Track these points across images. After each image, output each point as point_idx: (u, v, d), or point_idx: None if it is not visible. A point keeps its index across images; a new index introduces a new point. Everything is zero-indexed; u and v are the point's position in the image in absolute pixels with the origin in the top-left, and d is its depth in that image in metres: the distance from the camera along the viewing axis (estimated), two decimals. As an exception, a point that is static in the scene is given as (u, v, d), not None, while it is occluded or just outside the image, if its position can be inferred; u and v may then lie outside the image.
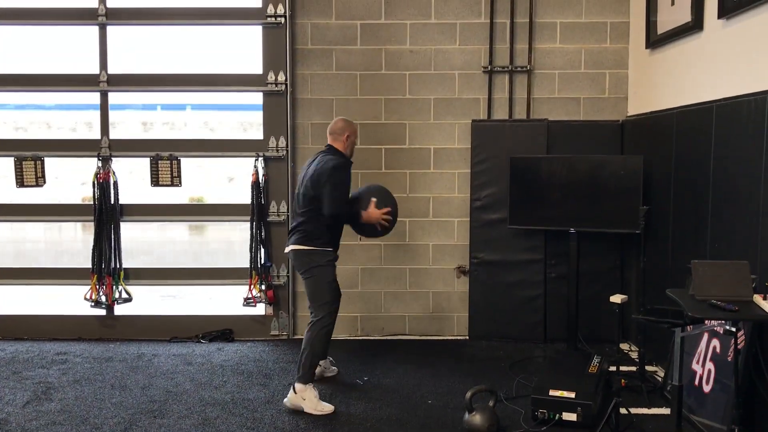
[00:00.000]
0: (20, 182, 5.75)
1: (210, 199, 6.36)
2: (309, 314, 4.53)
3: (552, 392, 3.92)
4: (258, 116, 5.88)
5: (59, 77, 5.80)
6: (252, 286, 5.70)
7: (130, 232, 5.88)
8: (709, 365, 3.85)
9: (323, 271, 4.38)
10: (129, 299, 5.78)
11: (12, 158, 5.75)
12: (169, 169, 5.74)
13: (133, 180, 5.99)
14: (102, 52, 5.73)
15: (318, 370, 4.55)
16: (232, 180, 6.55)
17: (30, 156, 5.74)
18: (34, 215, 5.97)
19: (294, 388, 4.23)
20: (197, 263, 6.35)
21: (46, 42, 5.96)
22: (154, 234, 6.85)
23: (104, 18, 5.67)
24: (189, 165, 5.81)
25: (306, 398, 4.22)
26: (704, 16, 4.30)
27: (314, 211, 4.36)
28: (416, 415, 4.18)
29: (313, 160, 4.53)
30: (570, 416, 3.87)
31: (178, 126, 6.40)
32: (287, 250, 4.49)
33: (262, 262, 5.73)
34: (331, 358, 4.83)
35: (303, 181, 4.48)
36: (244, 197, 5.78)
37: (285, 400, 4.27)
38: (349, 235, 5.79)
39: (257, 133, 5.90)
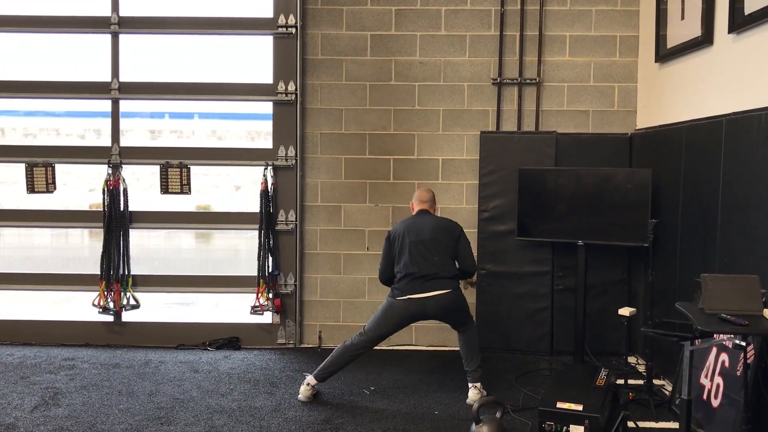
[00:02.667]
0: (31, 188, 5.79)
1: (216, 208, 6.38)
2: (359, 339, 4.63)
3: (559, 404, 3.90)
4: (265, 125, 5.91)
5: (71, 84, 5.84)
6: (259, 295, 5.71)
7: (136, 239, 5.90)
8: (718, 380, 3.84)
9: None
10: (137, 306, 5.80)
11: (23, 164, 5.79)
12: (179, 176, 5.77)
13: (140, 187, 6.03)
14: (114, 61, 5.78)
15: (311, 391, 4.58)
16: (239, 188, 6.58)
17: (41, 162, 5.79)
18: (43, 221, 6.00)
19: None
20: (204, 271, 6.36)
21: (58, 49, 6.01)
22: (161, 241, 6.87)
23: (117, 26, 5.72)
24: (196, 173, 5.84)
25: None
26: (714, 31, 4.31)
27: (452, 262, 4.62)
28: (423, 426, 4.18)
29: (421, 219, 4.67)
30: (577, 429, 3.85)
31: (186, 134, 6.43)
32: (435, 294, 4.48)
33: (270, 270, 5.74)
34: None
35: (424, 230, 4.57)
36: (251, 206, 5.81)
37: None
38: (355, 244, 5.82)
39: (265, 143, 5.93)
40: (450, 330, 5.80)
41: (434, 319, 4.71)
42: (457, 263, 4.65)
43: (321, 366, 4.61)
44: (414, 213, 4.79)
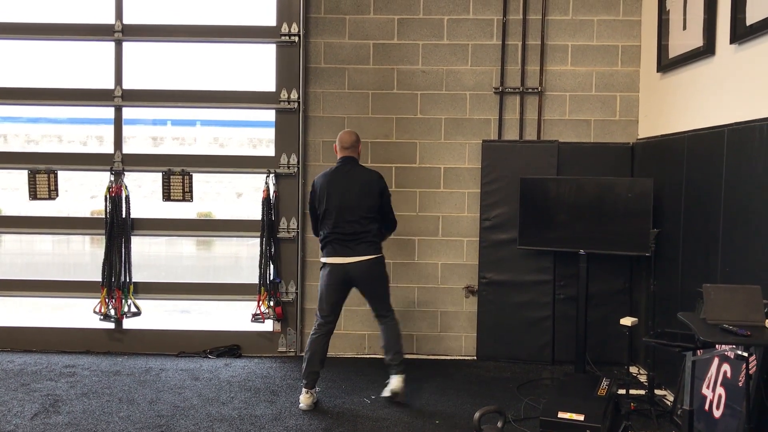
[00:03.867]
0: (33, 195, 5.80)
1: (218, 215, 6.39)
2: (316, 324, 4.68)
3: (561, 414, 3.89)
4: (267, 133, 5.93)
5: (74, 91, 5.86)
6: (261, 302, 5.70)
7: (138, 246, 5.90)
8: (720, 390, 3.83)
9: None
10: (138, 313, 5.80)
11: (25, 171, 5.80)
12: (181, 184, 5.77)
13: (142, 194, 6.04)
14: (117, 68, 5.80)
15: (311, 399, 4.57)
16: (240, 196, 6.58)
17: (43, 169, 5.79)
18: (45, 228, 6.00)
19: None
20: (205, 278, 6.36)
21: (62, 57, 6.03)
22: (162, 249, 6.88)
23: (120, 34, 5.74)
24: (197, 180, 5.85)
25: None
26: (716, 41, 4.32)
27: (376, 220, 4.62)
28: (424, 435, 4.17)
29: (345, 171, 4.63)
30: (579, 439, 3.84)
31: (188, 141, 6.44)
32: (357, 260, 4.52)
33: (271, 278, 5.74)
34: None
35: (348, 192, 4.55)
36: (252, 213, 5.81)
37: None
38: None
39: (267, 150, 5.94)
40: (451, 339, 5.82)
41: (358, 287, 4.66)
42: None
43: (302, 372, 4.61)
44: (338, 158, 4.72)
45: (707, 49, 4.39)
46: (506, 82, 5.73)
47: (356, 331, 5.72)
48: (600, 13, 5.68)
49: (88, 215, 6.16)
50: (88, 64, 5.95)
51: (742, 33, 3.96)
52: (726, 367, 3.81)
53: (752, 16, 3.83)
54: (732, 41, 4.08)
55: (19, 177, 5.90)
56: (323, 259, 4.64)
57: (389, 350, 4.68)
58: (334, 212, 4.55)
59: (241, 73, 5.99)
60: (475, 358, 5.75)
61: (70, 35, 5.83)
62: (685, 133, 4.74)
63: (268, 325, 5.82)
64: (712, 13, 4.33)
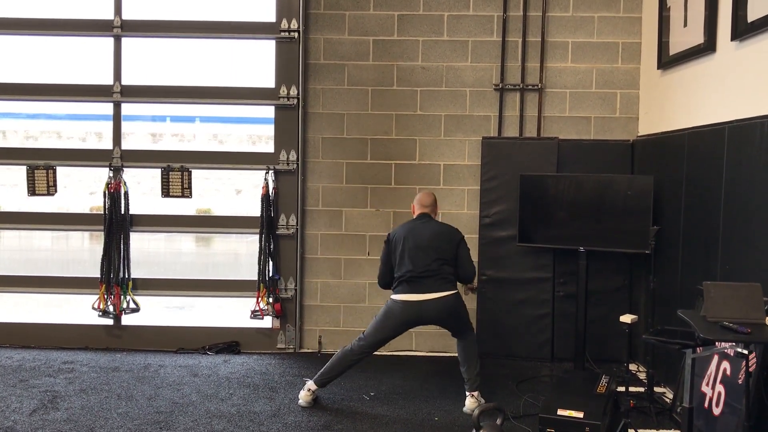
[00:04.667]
0: (32, 191, 5.79)
1: (217, 211, 6.38)
2: (358, 345, 4.61)
3: (560, 411, 3.88)
4: (267, 129, 5.91)
5: (73, 87, 5.84)
6: (260, 299, 5.70)
7: (137, 242, 5.89)
8: (719, 388, 3.82)
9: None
10: (137, 309, 5.79)
11: (24, 167, 5.78)
12: (180, 180, 5.76)
13: (141, 190, 6.02)
14: (116, 64, 5.78)
15: (311, 396, 4.56)
16: (239, 192, 6.57)
17: (42, 165, 5.78)
18: (44, 224, 5.99)
19: None
20: (203, 275, 6.35)
21: (60, 52, 6.01)
22: (161, 245, 6.86)
23: (119, 30, 5.73)
24: (196, 177, 5.84)
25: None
26: (717, 38, 4.31)
27: (451, 264, 4.58)
28: None
29: (423, 222, 4.65)
30: (578, 436, 3.83)
31: (188, 138, 6.43)
32: (435, 296, 4.45)
33: (271, 274, 5.73)
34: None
35: (423, 236, 4.54)
36: (252, 210, 5.80)
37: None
38: (356, 249, 5.81)
39: (266, 147, 5.93)
40: (450, 336, 5.80)
41: (432, 324, 4.68)
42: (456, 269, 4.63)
43: (321, 371, 4.59)
44: (414, 216, 4.77)
45: (708, 46, 4.38)
46: (506, 79, 5.72)
47: (356, 327, 5.70)
48: (600, 10, 5.67)
49: (87, 211, 6.14)
50: (86, 60, 5.93)
51: (743, 30, 3.95)
52: (726, 364, 3.81)
53: (753, 13, 3.82)
54: (733, 38, 4.06)
55: (18, 173, 5.88)
56: (394, 296, 4.55)
57: (463, 364, 4.64)
58: (411, 253, 4.50)
59: (241, 70, 5.97)
60: (474, 355, 5.74)
61: (69, 31, 5.81)
62: (685, 130, 4.73)
63: (267, 322, 5.81)
64: (713, 10, 4.32)
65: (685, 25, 4.74)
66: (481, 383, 4.61)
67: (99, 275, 5.72)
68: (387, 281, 4.70)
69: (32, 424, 4.14)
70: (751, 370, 3.44)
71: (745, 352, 3.27)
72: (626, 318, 4.76)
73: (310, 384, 4.57)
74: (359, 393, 4.81)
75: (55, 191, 5.82)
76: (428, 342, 5.83)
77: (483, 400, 4.52)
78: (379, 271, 4.75)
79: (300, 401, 4.55)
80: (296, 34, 5.68)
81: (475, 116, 5.75)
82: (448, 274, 4.53)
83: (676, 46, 4.92)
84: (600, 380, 4.33)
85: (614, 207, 5.10)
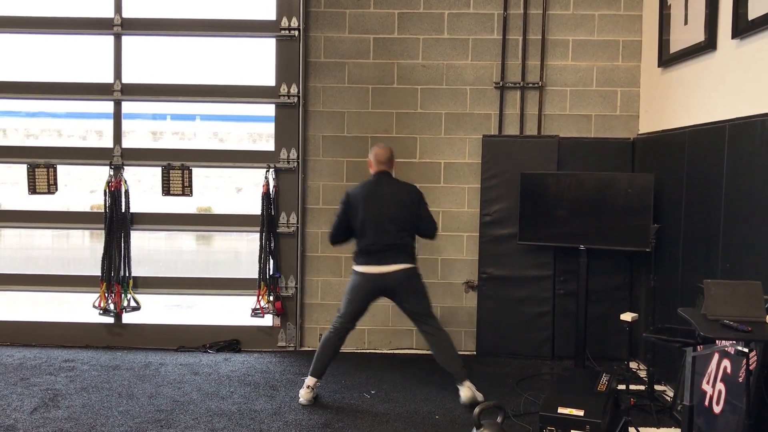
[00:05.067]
0: (32, 189, 5.79)
1: (217, 210, 6.38)
2: (334, 326, 4.67)
3: (561, 410, 3.89)
4: (267, 127, 5.91)
5: (73, 86, 5.84)
6: (260, 297, 5.70)
7: (137, 240, 5.89)
8: (720, 386, 3.82)
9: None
10: (137, 308, 5.79)
11: (24, 165, 5.78)
12: (181, 178, 5.77)
13: (141, 189, 6.02)
14: (116, 62, 5.78)
15: (311, 393, 4.56)
16: (240, 191, 6.57)
17: (42, 163, 5.78)
18: (44, 222, 5.99)
19: None
20: (204, 273, 6.35)
21: (61, 51, 6.01)
22: (161, 243, 6.86)
23: (120, 28, 5.72)
24: (196, 175, 5.84)
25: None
26: (718, 36, 4.31)
27: (412, 235, 4.64)
28: (423, 430, 4.17)
29: (382, 185, 4.63)
30: (578, 434, 3.84)
31: (188, 136, 6.43)
32: (395, 269, 4.51)
33: (271, 273, 5.73)
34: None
35: (385, 205, 4.55)
36: (252, 208, 5.80)
37: None
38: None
39: (267, 145, 5.93)
40: (451, 334, 5.78)
41: (393, 296, 4.63)
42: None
43: (312, 363, 4.61)
44: (372, 173, 4.72)
45: (709, 44, 4.38)
46: (507, 77, 5.72)
47: (357, 326, 5.69)
48: (601, 8, 5.66)
49: (87, 210, 6.14)
50: (87, 58, 5.93)
51: (743, 28, 3.95)
52: (726, 362, 3.81)
53: (754, 11, 3.82)
54: (734, 36, 4.06)
55: (18, 171, 5.89)
56: (357, 268, 4.60)
57: (446, 364, 4.64)
58: (372, 224, 4.53)
59: (241, 68, 5.97)
60: (474, 353, 5.75)
61: (69, 29, 5.81)
62: (686, 128, 4.73)
63: (267, 320, 5.82)
64: (713, 8, 4.32)
65: (686, 23, 4.74)
66: (467, 372, 4.61)
67: (100, 273, 5.72)
68: (339, 240, 4.75)
69: (33, 423, 4.15)
70: (751, 368, 3.44)
71: (746, 350, 3.27)
72: (627, 316, 4.76)
73: (308, 380, 4.58)
74: (360, 391, 4.82)
75: (56, 190, 5.82)
76: (429, 340, 5.83)
77: (474, 387, 4.55)
78: (332, 229, 4.75)
79: (300, 399, 4.55)
80: (297, 32, 5.68)
81: (475, 114, 5.75)
82: (408, 246, 4.59)
83: (676, 44, 4.91)
84: (600, 378, 4.34)
85: (615, 205, 5.10)
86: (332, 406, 4.53)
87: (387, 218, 4.54)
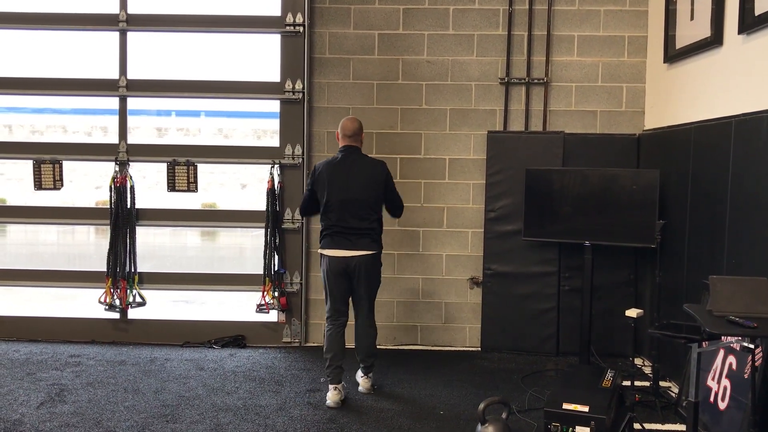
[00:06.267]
0: (38, 185, 5.80)
1: (222, 206, 6.39)
2: (328, 319, 4.62)
3: (565, 405, 3.89)
4: (271, 123, 5.92)
5: (79, 82, 5.85)
6: (265, 293, 5.71)
7: (142, 236, 5.90)
8: (725, 382, 3.82)
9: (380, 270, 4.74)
10: (143, 303, 5.81)
11: (30, 161, 5.80)
12: (186, 174, 5.78)
13: (146, 185, 6.03)
14: (122, 58, 5.78)
15: (338, 396, 4.51)
16: (244, 187, 6.58)
17: (48, 159, 5.80)
18: (50, 218, 6.01)
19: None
20: (209, 269, 6.37)
21: (66, 47, 6.02)
22: (166, 239, 6.89)
23: (125, 24, 5.73)
24: (201, 171, 5.84)
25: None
26: (724, 31, 4.29)
27: (378, 214, 4.60)
28: (428, 425, 4.17)
29: (349, 162, 4.55)
30: (583, 430, 3.84)
31: (193, 132, 6.44)
32: (358, 254, 4.48)
33: (276, 268, 5.74)
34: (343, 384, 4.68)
35: (352, 185, 4.49)
36: (256, 204, 5.81)
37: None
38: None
39: (271, 141, 5.93)
40: (456, 330, 5.82)
41: (350, 280, 4.56)
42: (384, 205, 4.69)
43: (325, 367, 4.55)
44: (340, 146, 4.64)
45: (715, 40, 4.36)
46: (512, 73, 5.71)
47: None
48: (607, 4, 5.64)
49: (92, 206, 6.16)
50: (92, 54, 5.94)
51: (750, 23, 3.93)
52: (731, 358, 3.80)
53: (761, 6, 3.80)
54: (740, 31, 4.04)
55: (24, 167, 5.90)
56: (322, 251, 4.56)
57: (360, 351, 4.68)
58: (337, 206, 4.49)
59: (246, 64, 5.97)
60: (479, 349, 5.75)
61: (74, 25, 5.82)
62: (691, 124, 4.71)
63: (272, 316, 5.83)
64: (720, 3, 4.30)
65: (692, 18, 4.72)
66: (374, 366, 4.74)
67: (105, 269, 5.73)
68: (309, 213, 4.83)
69: (40, 417, 4.17)
70: (757, 364, 3.44)
71: (751, 346, 3.26)
72: (632, 312, 4.75)
73: (331, 385, 4.51)
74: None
75: (62, 185, 5.84)
76: (433, 336, 5.84)
77: (371, 383, 4.71)
78: (302, 202, 4.78)
79: (328, 402, 4.45)
80: (301, 28, 5.68)
81: (480, 110, 5.74)
82: (373, 230, 4.54)
83: (682, 40, 4.90)
84: (605, 374, 4.34)
85: (620, 201, 5.09)
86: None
87: (351, 201, 4.48)
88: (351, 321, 4.68)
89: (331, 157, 4.67)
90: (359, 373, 4.78)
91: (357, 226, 4.49)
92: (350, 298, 4.65)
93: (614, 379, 4.28)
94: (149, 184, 6.09)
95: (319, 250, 4.61)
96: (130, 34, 5.79)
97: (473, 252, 5.78)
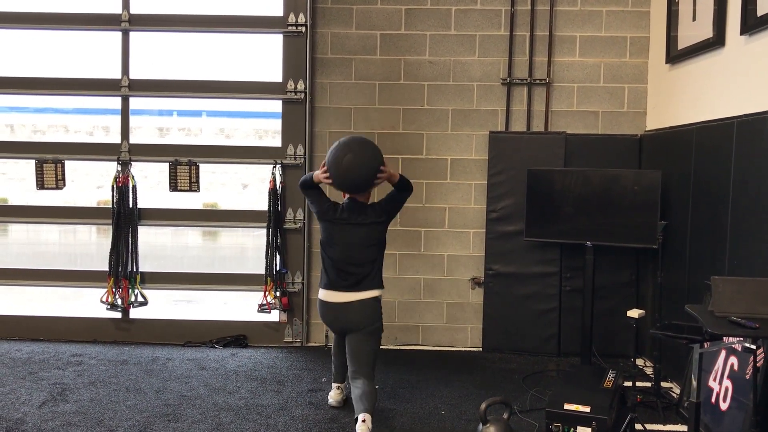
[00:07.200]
0: (40, 184, 5.81)
1: (223, 206, 6.40)
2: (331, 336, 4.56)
3: (567, 406, 3.89)
4: (273, 124, 5.92)
5: (81, 81, 5.86)
6: (267, 293, 5.71)
7: (143, 236, 5.91)
8: (727, 383, 3.82)
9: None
10: (145, 303, 5.82)
11: (32, 161, 5.81)
12: (188, 174, 5.78)
13: (148, 185, 6.04)
14: (124, 58, 5.79)
15: (341, 395, 4.50)
16: (246, 187, 6.58)
17: (51, 159, 5.80)
18: (52, 217, 6.01)
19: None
20: (211, 269, 6.37)
21: (68, 46, 6.02)
22: (168, 239, 6.89)
23: (127, 24, 5.74)
24: (202, 171, 5.84)
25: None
26: (726, 32, 4.29)
27: (381, 256, 4.24)
28: (429, 425, 4.17)
29: (351, 219, 4.16)
30: (585, 430, 3.84)
31: (194, 132, 6.45)
32: (361, 297, 4.10)
33: (278, 268, 5.75)
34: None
35: (351, 244, 4.13)
36: (258, 204, 5.82)
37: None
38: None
39: (273, 141, 5.94)
40: (457, 330, 5.83)
41: (346, 327, 4.20)
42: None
43: (332, 369, 4.54)
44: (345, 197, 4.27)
45: (717, 41, 4.36)
46: (514, 73, 5.71)
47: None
48: (609, 4, 5.64)
49: (94, 205, 6.17)
50: (94, 54, 5.94)
51: (752, 24, 3.93)
52: (733, 359, 3.80)
53: (763, 7, 3.80)
54: (743, 32, 4.05)
55: (25, 167, 5.91)
56: (321, 293, 4.24)
57: (359, 407, 3.98)
58: (335, 261, 4.15)
59: (248, 64, 5.98)
60: (480, 349, 5.75)
61: (77, 25, 5.82)
62: (693, 125, 4.71)
63: (274, 316, 5.83)
64: (722, 4, 4.30)
65: (694, 19, 4.72)
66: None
67: (107, 269, 5.74)
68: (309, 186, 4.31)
69: (42, 416, 4.18)
70: (758, 365, 3.44)
71: (753, 347, 3.26)
72: (634, 313, 4.75)
73: (334, 384, 4.49)
74: (366, 387, 4.82)
75: (64, 185, 5.85)
76: (434, 336, 5.84)
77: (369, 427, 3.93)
78: (304, 180, 4.35)
79: (330, 401, 4.46)
80: (304, 29, 5.68)
81: (482, 111, 5.74)
82: (376, 270, 4.19)
83: (684, 41, 4.90)
84: (607, 375, 4.34)
85: (622, 202, 5.09)
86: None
87: (351, 261, 4.14)
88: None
89: (338, 204, 4.27)
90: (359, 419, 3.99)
91: (357, 273, 4.15)
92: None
93: (616, 379, 4.28)
94: (151, 184, 6.10)
95: (320, 293, 4.28)
96: (132, 34, 5.80)
97: (475, 252, 5.78)
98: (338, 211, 4.21)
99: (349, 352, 4.16)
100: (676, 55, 5.05)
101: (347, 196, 4.29)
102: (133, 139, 5.88)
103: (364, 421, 3.87)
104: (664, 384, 4.78)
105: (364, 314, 4.15)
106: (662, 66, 5.32)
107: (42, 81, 5.88)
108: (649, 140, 5.53)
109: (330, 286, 4.19)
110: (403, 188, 4.31)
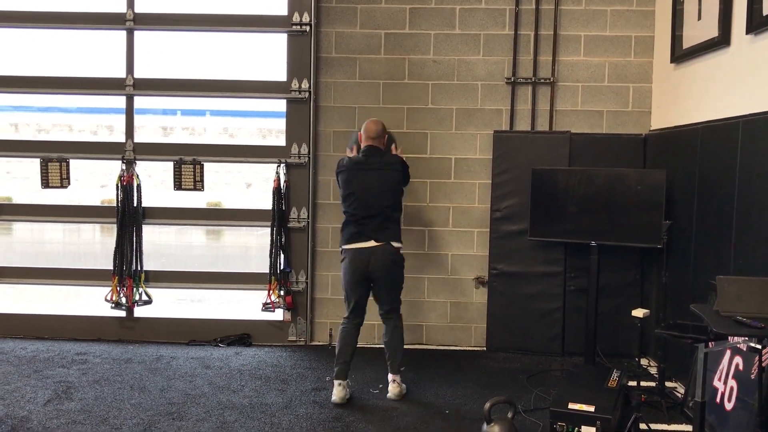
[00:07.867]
0: (45, 183, 5.82)
1: (227, 204, 6.40)
2: (333, 321, 4.59)
3: (571, 405, 3.90)
4: (276, 123, 5.93)
5: (86, 80, 5.87)
6: (271, 292, 5.72)
7: (147, 235, 5.91)
8: (732, 382, 3.81)
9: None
10: (149, 301, 5.82)
11: (36, 159, 5.82)
12: (192, 173, 5.79)
13: (152, 183, 6.05)
14: (129, 57, 5.80)
15: (343, 392, 4.52)
16: (250, 186, 6.59)
17: (55, 157, 5.82)
18: (56, 216, 6.03)
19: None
20: (215, 267, 6.38)
21: (73, 45, 6.03)
22: (172, 238, 6.89)
23: (132, 23, 5.74)
24: (207, 170, 5.85)
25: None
26: (732, 31, 4.28)
27: (399, 207, 4.68)
28: (433, 425, 4.18)
29: (367, 166, 4.58)
30: (589, 430, 3.84)
31: (198, 131, 6.45)
32: (384, 243, 4.48)
33: (282, 267, 5.75)
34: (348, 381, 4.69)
35: (372, 189, 4.53)
36: (262, 203, 5.82)
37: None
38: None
39: (276, 140, 5.94)
40: (461, 330, 5.82)
41: (376, 278, 4.52)
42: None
43: (335, 362, 4.56)
44: (363, 146, 4.67)
45: (722, 40, 4.35)
46: (518, 73, 5.71)
47: (367, 321, 5.69)
48: (613, 3, 5.64)
49: (98, 204, 6.18)
50: (99, 53, 5.95)
51: (758, 23, 3.92)
52: (738, 359, 3.79)
53: (769, 6, 3.79)
54: (748, 31, 4.03)
55: (30, 166, 5.93)
56: (344, 246, 4.56)
57: (389, 351, 4.64)
58: (358, 205, 4.52)
59: (252, 63, 5.98)
60: (485, 349, 5.75)
61: (82, 24, 5.83)
62: (699, 124, 4.70)
63: (278, 315, 5.84)
64: (727, 3, 4.29)
65: (699, 18, 4.71)
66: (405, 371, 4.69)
67: (112, 267, 5.75)
68: None
69: (47, 414, 4.19)
70: (764, 365, 3.43)
71: (758, 346, 3.26)
72: (638, 312, 4.75)
73: (336, 381, 4.52)
74: (369, 386, 4.83)
75: (68, 184, 5.86)
76: (438, 335, 5.84)
77: (404, 386, 4.63)
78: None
79: (333, 398, 4.47)
80: (308, 28, 5.68)
81: (486, 110, 5.74)
82: (396, 223, 4.58)
83: (689, 40, 4.89)
84: (611, 374, 4.34)
85: (626, 201, 5.08)
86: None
87: (372, 204, 4.51)
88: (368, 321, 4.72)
89: (354, 156, 4.69)
90: (390, 381, 4.68)
91: (378, 222, 4.51)
92: (367, 298, 4.64)
93: (620, 379, 4.28)
94: (155, 183, 6.10)
95: (342, 246, 4.62)
96: (137, 33, 5.81)
97: (479, 251, 5.78)
98: (354, 160, 4.64)
99: (378, 294, 4.60)
100: (681, 55, 5.04)
101: (365, 145, 4.66)
102: (138, 138, 5.89)
103: (394, 380, 4.57)
104: (668, 384, 4.77)
105: (390, 254, 4.52)
106: (667, 65, 5.31)
107: (46, 80, 5.89)
108: (654, 140, 5.52)
109: (352, 239, 4.54)
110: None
